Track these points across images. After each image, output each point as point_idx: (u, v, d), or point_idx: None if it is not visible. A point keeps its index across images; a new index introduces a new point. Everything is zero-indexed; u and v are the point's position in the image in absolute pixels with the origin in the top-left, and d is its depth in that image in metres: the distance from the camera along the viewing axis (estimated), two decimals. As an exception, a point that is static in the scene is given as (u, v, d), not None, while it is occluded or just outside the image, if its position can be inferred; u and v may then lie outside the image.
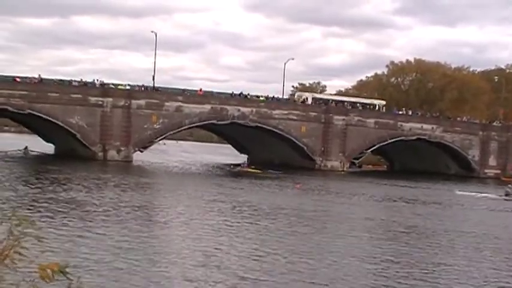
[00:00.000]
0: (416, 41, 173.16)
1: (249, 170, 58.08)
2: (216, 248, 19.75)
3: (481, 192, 45.65)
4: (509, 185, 46.03)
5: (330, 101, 74.70)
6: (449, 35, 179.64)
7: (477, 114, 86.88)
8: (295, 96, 77.69)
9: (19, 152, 62.88)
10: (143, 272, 16.03)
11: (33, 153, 63.51)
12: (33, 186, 34.48)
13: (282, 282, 15.94)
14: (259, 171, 55.92)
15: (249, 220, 26.74)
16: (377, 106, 76.57)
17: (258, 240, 21.94)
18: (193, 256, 18.46)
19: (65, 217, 24.04)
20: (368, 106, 75.86)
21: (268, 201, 34.23)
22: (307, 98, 73.89)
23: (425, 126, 73.86)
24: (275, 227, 25.19)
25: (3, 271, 4.85)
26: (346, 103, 74.21)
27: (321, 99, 75.68)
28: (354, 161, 71.29)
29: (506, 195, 43.52)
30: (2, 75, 59.21)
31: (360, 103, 75.72)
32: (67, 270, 4.63)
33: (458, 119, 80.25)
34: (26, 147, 63.48)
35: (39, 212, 24.56)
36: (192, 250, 19.40)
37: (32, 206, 26.19)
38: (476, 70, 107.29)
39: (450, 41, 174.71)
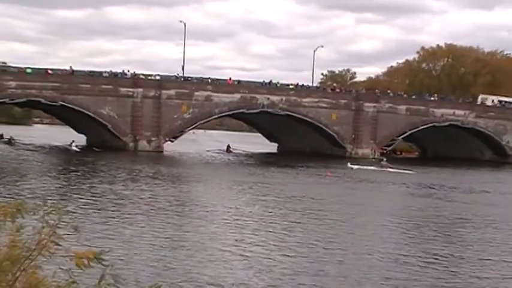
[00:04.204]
0: (452, 25, 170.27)
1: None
2: (252, 240, 19.73)
3: (368, 166, 51.49)
4: (384, 159, 53.28)
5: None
6: (486, 19, 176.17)
7: None
8: (479, 99, 76.78)
9: (69, 146, 61.51)
10: (179, 262, 16.08)
11: (78, 147, 61.91)
12: (68, 177, 35.01)
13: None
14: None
15: (283, 210, 26.63)
16: None
17: (291, 228, 21.89)
18: (229, 247, 18.46)
19: (101, 207, 24.32)
20: None
21: (302, 191, 34.16)
22: (493, 101, 75.10)
23: (457, 112, 72.66)
24: (312, 217, 25.06)
25: (41, 260, 4.88)
26: None
27: (505, 101, 75.94)
28: (385, 148, 70.62)
29: (381, 167, 50.52)
30: (35, 68, 60.08)
31: None
32: (102, 257, 4.63)
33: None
34: (73, 141, 62.82)
35: (75, 202, 24.87)
36: (227, 240, 19.42)
37: (67, 196, 26.56)
38: (510, 54, 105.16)
39: (487, 24, 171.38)
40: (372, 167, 50.23)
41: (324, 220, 24.07)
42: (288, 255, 17.37)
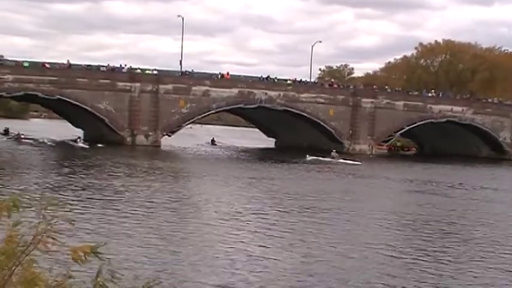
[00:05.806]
0: (451, 21, 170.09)
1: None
2: (247, 233, 19.76)
3: (322, 157, 53.31)
4: (334, 150, 56.02)
5: None
6: (485, 15, 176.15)
7: (509, 95, 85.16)
8: None
9: (75, 142, 59.95)
10: (175, 256, 16.07)
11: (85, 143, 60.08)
12: (68, 172, 35.00)
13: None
14: None
15: (279, 205, 26.67)
16: None
17: (290, 223, 21.93)
18: (222, 240, 18.47)
19: (98, 202, 24.30)
20: None
21: (301, 186, 34.21)
22: None
23: (455, 108, 72.67)
24: (308, 211, 25.13)
25: (37, 255, 4.86)
26: None
27: None
28: (383, 143, 70.72)
29: (332, 158, 53.77)
30: (32, 62, 59.88)
31: None
32: (99, 251, 4.61)
33: (490, 100, 78.78)
34: (78, 138, 61.48)
35: (74, 196, 24.85)
36: (220, 233, 19.43)
37: (65, 190, 26.53)
38: (508, 50, 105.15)
39: (486, 20, 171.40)
40: (325, 159, 52.68)
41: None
42: (278, 247, 17.42)
